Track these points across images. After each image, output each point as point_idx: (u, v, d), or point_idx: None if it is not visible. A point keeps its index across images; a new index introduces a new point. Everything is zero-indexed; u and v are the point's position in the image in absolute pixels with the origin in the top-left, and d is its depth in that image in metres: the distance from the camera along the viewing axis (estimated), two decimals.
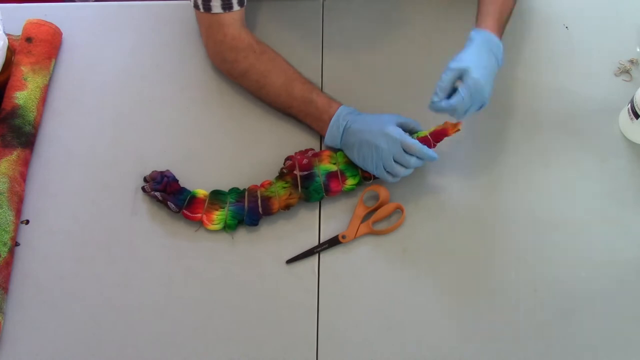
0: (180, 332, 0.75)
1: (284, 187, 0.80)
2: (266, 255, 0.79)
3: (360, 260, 0.79)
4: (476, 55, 0.76)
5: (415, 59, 0.93)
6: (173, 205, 0.79)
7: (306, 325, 0.75)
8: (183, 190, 0.81)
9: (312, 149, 0.83)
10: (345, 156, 0.82)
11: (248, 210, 0.79)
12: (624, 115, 0.86)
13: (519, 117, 0.88)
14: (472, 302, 0.76)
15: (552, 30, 0.95)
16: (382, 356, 0.74)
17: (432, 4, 0.97)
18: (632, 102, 0.83)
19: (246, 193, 0.81)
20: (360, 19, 0.96)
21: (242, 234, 0.80)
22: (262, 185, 0.81)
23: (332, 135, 0.81)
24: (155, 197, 0.80)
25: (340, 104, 0.82)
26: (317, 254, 0.79)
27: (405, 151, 0.76)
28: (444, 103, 0.75)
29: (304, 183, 0.80)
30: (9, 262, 0.77)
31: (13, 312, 0.75)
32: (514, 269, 0.78)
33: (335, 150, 0.83)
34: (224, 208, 0.80)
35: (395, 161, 0.77)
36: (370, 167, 0.79)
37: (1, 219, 0.77)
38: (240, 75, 0.86)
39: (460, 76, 0.75)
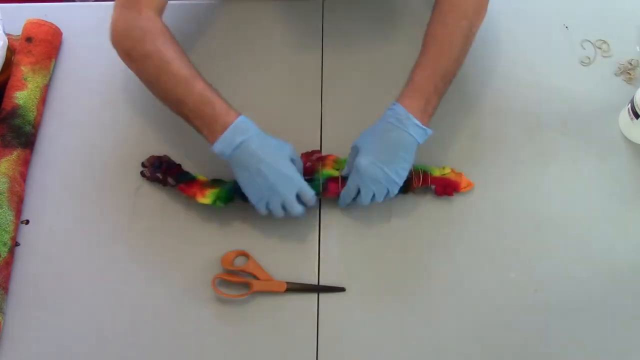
0: (179, 331, 0.75)
1: None
2: (266, 253, 0.79)
3: (360, 261, 0.79)
4: (373, 137, 0.75)
5: (415, 59, 0.92)
6: (172, 180, 0.79)
7: (306, 325, 0.75)
8: (186, 174, 0.81)
9: (318, 151, 0.83)
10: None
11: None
12: (624, 115, 0.86)
13: (519, 117, 0.88)
14: (472, 302, 0.76)
15: (552, 30, 0.95)
16: (381, 356, 0.74)
17: (432, 4, 0.97)
18: (632, 102, 0.83)
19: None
20: (360, 19, 0.96)
21: (239, 232, 0.80)
22: None
23: (225, 143, 0.72)
24: (155, 177, 0.80)
25: (240, 114, 0.74)
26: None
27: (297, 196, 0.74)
28: (340, 198, 0.77)
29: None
30: (9, 262, 0.77)
31: (13, 312, 0.75)
32: (514, 269, 0.78)
33: (340, 156, 0.82)
34: (219, 187, 0.79)
35: (282, 204, 0.74)
36: (253, 196, 0.74)
37: (1, 219, 0.77)
38: (141, 57, 0.77)
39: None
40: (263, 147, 0.73)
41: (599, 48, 0.94)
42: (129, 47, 0.78)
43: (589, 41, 0.94)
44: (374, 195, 0.76)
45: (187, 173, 0.82)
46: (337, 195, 0.80)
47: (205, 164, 0.83)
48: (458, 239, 0.80)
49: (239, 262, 0.78)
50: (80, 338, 0.75)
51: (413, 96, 0.75)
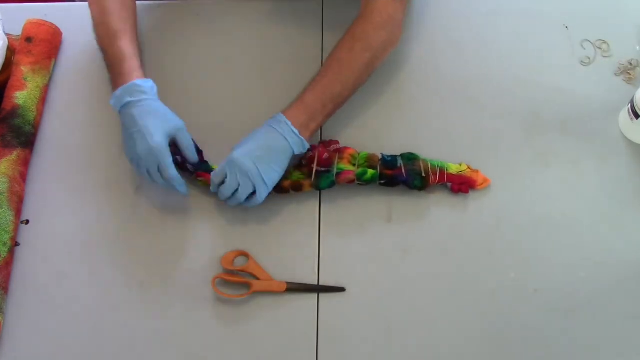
0: (179, 331, 0.75)
1: (299, 178, 0.80)
2: (266, 253, 0.79)
3: (360, 261, 0.79)
4: (250, 137, 0.77)
5: (415, 59, 0.93)
6: (190, 166, 0.80)
7: (306, 324, 0.75)
8: (204, 163, 0.82)
9: (336, 142, 0.82)
10: (367, 159, 0.81)
11: None
12: (624, 115, 0.86)
13: (519, 117, 0.88)
14: (472, 302, 0.76)
15: (552, 30, 0.95)
16: (381, 356, 0.74)
17: (431, 2, 0.97)
18: (632, 102, 0.83)
19: None
20: None
21: (238, 232, 0.80)
22: None
23: (116, 100, 0.77)
24: (175, 160, 0.79)
25: (143, 77, 0.78)
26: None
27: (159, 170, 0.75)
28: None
29: (317, 179, 0.79)
30: (9, 262, 0.77)
31: (13, 312, 0.76)
32: (513, 269, 0.78)
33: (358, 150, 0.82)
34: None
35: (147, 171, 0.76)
36: (129, 158, 0.77)
37: (1, 219, 0.77)
38: (93, 1, 0.83)
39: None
40: (144, 113, 0.76)
41: (599, 48, 0.94)
42: None
43: (589, 41, 0.94)
44: (237, 191, 0.75)
45: (205, 162, 0.82)
46: (352, 176, 0.79)
47: (212, 160, 0.83)
48: (458, 239, 0.80)
49: (239, 262, 0.78)
50: (80, 338, 0.75)
51: (298, 110, 0.77)
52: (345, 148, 0.82)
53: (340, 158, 0.81)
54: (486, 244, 0.79)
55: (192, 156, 0.79)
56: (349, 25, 0.82)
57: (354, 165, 0.81)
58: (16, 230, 0.79)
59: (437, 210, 0.81)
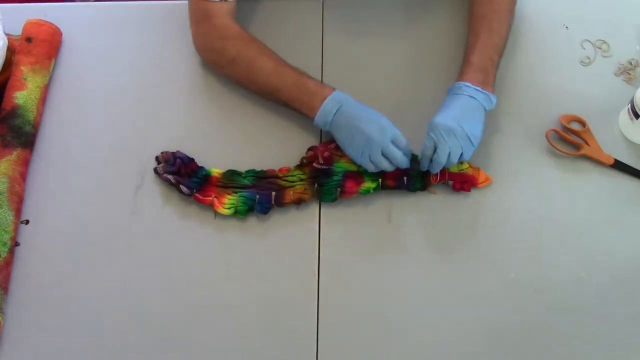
0: (180, 332, 0.75)
1: (301, 180, 0.80)
2: (266, 253, 0.79)
3: (360, 260, 0.79)
4: (442, 107, 0.79)
5: (416, 59, 0.93)
6: (185, 189, 0.79)
7: (306, 324, 0.75)
8: (199, 170, 0.81)
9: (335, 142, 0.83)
10: None
11: (260, 198, 0.79)
12: (624, 115, 0.86)
13: (519, 117, 0.88)
14: (472, 302, 0.76)
15: (552, 30, 0.95)
16: (381, 356, 0.74)
17: (433, 4, 0.97)
18: (632, 102, 0.83)
19: (265, 174, 0.81)
20: (360, 19, 0.96)
21: (238, 232, 0.80)
22: (280, 171, 0.81)
23: (323, 115, 0.79)
24: (167, 180, 0.80)
25: (334, 88, 0.81)
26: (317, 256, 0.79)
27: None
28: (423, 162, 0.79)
29: (320, 179, 0.80)
30: (9, 262, 0.77)
31: (13, 312, 0.75)
32: (514, 269, 0.78)
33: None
34: (236, 192, 0.80)
35: (382, 154, 0.77)
36: (355, 153, 0.78)
37: (1, 219, 0.77)
38: (228, 63, 0.85)
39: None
40: (358, 109, 0.79)
41: (599, 48, 0.94)
42: (214, 59, 0.87)
43: (589, 41, 0.94)
44: (449, 155, 0.77)
45: (201, 168, 0.82)
46: (355, 194, 0.80)
47: (213, 158, 0.84)
48: (458, 239, 0.80)
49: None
50: (80, 338, 0.75)
51: (471, 71, 0.81)
52: None
53: (340, 156, 0.81)
54: (486, 244, 0.79)
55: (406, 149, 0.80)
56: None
57: (354, 162, 0.81)
58: (16, 230, 0.79)
59: (437, 209, 0.81)
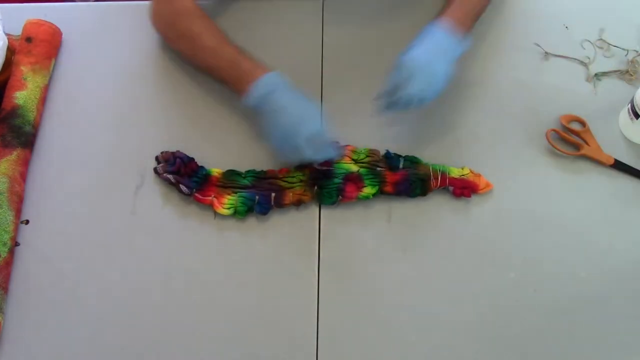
0: (179, 331, 0.75)
1: (301, 181, 0.80)
2: (266, 253, 0.79)
3: (360, 261, 0.79)
4: (415, 42, 0.77)
5: None
6: (185, 188, 0.79)
7: (306, 324, 0.75)
8: (199, 170, 0.81)
9: (336, 142, 0.83)
10: (369, 154, 0.82)
11: (259, 199, 0.79)
12: (624, 115, 0.86)
13: (519, 117, 0.88)
14: (472, 302, 0.76)
15: (552, 30, 0.95)
16: (381, 356, 0.74)
17: (433, 4, 0.97)
18: (632, 102, 0.83)
19: (265, 175, 0.81)
20: (360, 19, 0.96)
21: (238, 232, 0.80)
22: (280, 171, 0.81)
23: (253, 96, 0.77)
24: (167, 179, 0.80)
25: (267, 70, 0.79)
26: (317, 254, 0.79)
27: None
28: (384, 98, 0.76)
29: (320, 181, 0.80)
30: (9, 262, 0.77)
31: (13, 312, 0.75)
32: (514, 269, 0.78)
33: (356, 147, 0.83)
34: (236, 193, 0.80)
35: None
36: (277, 141, 0.78)
37: (1, 219, 0.77)
38: (177, 38, 0.86)
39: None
40: (288, 95, 0.78)
41: (600, 48, 0.94)
42: (164, 33, 0.89)
43: (589, 41, 0.94)
44: (414, 94, 0.75)
45: (201, 167, 0.82)
46: (354, 199, 0.80)
47: (213, 158, 0.84)
48: (458, 238, 0.80)
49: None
50: (80, 338, 0.75)
51: (450, 11, 0.80)
52: (345, 146, 0.82)
53: (341, 156, 0.81)
54: (486, 244, 0.79)
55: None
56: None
57: (355, 161, 0.81)
58: (16, 230, 0.79)
59: (437, 210, 0.81)
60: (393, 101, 0.77)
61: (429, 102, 0.76)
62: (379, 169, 0.81)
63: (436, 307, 0.76)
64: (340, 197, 0.80)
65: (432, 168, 0.81)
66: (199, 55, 0.84)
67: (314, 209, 0.82)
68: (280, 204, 0.80)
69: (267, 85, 0.78)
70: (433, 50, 0.77)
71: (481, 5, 0.84)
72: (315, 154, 0.77)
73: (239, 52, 0.82)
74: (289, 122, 0.76)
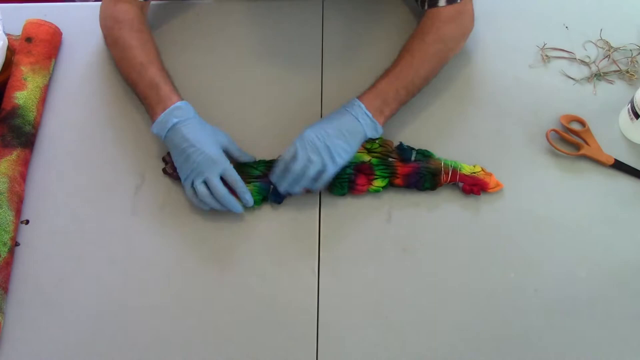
0: (179, 331, 0.75)
1: None
2: (266, 253, 0.79)
3: (360, 260, 0.79)
4: (325, 118, 0.78)
5: None
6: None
7: (306, 324, 0.75)
8: None
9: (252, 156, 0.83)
10: (382, 144, 0.82)
11: (273, 188, 0.80)
12: (624, 115, 0.86)
13: (519, 117, 0.88)
14: (472, 302, 0.76)
15: (552, 30, 0.95)
16: (381, 356, 0.74)
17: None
18: (632, 102, 0.83)
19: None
20: (360, 19, 0.96)
21: (238, 232, 0.80)
22: None
23: (160, 126, 0.78)
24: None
25: (181, 99, 0.80)
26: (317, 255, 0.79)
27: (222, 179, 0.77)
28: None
29: (332, 186, 0.80)
30: (9, 262, 0.77)
31: (13, 312, 0.75)
32: (514, 269, 0.78)
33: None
34: (249, 182, 0.80)
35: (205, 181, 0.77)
36: (182, 178, 0.78)
37: (1, 219, 0.77)
38: (111, 43, 0.87)
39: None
40: (193, 131, 0.78)
41: (600, 48, 0.94)
42: (104, 34, 0.90)
43: (590, 41, 0.94)
44: (308, 169, 0.75)
45: None
46: (364, 192, 0.80)
47: None
48: (457, 238, 0.80)
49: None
50: (80, 338, 0.75)
51: (372, 95, 0.80)
52: None
53: None
54: (486, 244, 0.79)
55: (248, 160, 0.81)
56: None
57: (368, 150, 0.81)
58: (16, 230, 0.79)
59: (437, 209, 0.81)
60: (283, 177, 0.77)
61: (325, 179, 0.76)
62: (390, 159, 0.81)
63: (436, 307, 0.76)
64: (350, 187, 0.80)
65: (443, 163, 0.81)
66: (125, 67, 0.85)
67: (314, 209, 0.82)
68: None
69: (176, 117, 0.78)
70: (338, 132, 0.76)
71: (405, 94, 0.82)
72: (209, 190, 0.76)
73: (164, 77, 0.82)
74: (184, 151, 0.77)
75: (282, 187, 0.78)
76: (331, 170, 0.76)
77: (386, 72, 0.82)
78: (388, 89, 0.80)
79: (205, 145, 0.77)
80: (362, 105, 0.78)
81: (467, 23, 0.86)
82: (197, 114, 0.80)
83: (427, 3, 0.83)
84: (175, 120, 0.78)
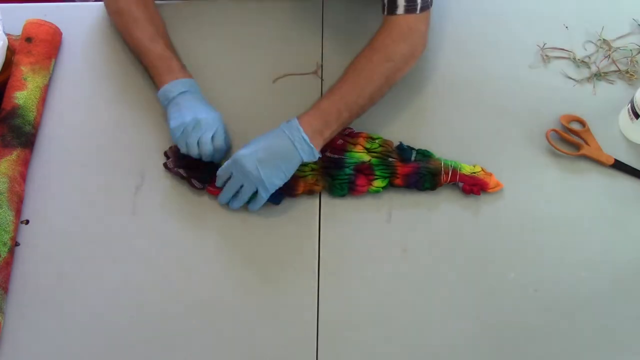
0: (180, 331, 0.75)
1: (312, 170, 0.80)
2: (266, 253, 0.79)
3: (360, 260, 0.79)
4: (261, 137, 0.77)
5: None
6: (197, 182, 0.80)
7: (306, 324, 0.75)
8: (210, 162, 0.81)
9: (351, 129, 0.83)
10: (382, 144, 0.82)
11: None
12: (624, 115, 0.86)
13: (519, 117, 0.88)
14: (472, 302, 0.76)
15: (552, 30, 0.95)
16: (381, 356, 0.74)
17: None
18: (632, 102, 0.83)
19: None
20: (360, 18, 0.96)
21: (238, 232, 0.80)
22: None
23: (168, 90, 0.82)
24: (178, 174, 0.81)
25: (189, 76, 0.85)
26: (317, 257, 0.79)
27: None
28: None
29: (331, 170, 0.80)
30: (9, 262, 0.77)
31: (13, 312, 0.75)
32: (514, 269, 0.78)
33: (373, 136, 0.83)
34: None
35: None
36: (176, 131, 0.80)
37: (1, 219, 0.77)
38: (115, 12, 0.89)
39: None
40: (194, 100, 0.82)
41: (600, 48, 0.94)
42: (106, 2, 0.92)
43: (590, 41, 0.94)
44: (241, 190, 0.77)
45: (211, 162, 0.82)
46: (364, 192, 0.80)
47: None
48: (457, 238, 0.80)
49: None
50: (80, 338, 0.75)
51: (314, 115, 0.77)
52: (359, 133, 0.83)
53: (354, 144, 0.81)
54: (486, 244, 0.79)
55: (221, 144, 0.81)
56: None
57: (369, 149, 0.81)
58: (16, 230, 0.79)
59: (437, 210, 0.81)
60: (222, 193, 0.79)
61: (259, 202, 0.77)
62: (390, 159, 0.81)
63: (436, 307, 0.76)
64: (350, 188, 0.80)
65: (443, 163, 0.81)
66: (133, 37, 0.87)
67: (314, 208, 0.82)
68: (292, 194, 0.80)
69: (186, 86, 0.82)
70: (272, 156, 0.75)
71: (348, 115, 0.78)
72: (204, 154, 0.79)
73: (173, 52, 0.87)
74: (191, 115, 0.79)
75: (222, 201, 0.79)
76: (264, 196, 0.76)
77: (330, 91, 0.79)
78: (331, 109, 0.77)
79: (206, 109, 0.81)
80: (301, 129, 0.75)
81: (418, 43, 0.82)
82: (200, 92, 0.84)
83: (386, 9, 0.80)
84: (183, 89, 0.82)
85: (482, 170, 0.82)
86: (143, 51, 0.86)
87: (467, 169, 0.81)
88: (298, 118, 0.77)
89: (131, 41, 0.88)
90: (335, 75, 0.90)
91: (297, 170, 0.79)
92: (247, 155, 0.75)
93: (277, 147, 0.76)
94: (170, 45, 0.88)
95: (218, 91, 0.90)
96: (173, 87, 0.82)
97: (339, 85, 0.79)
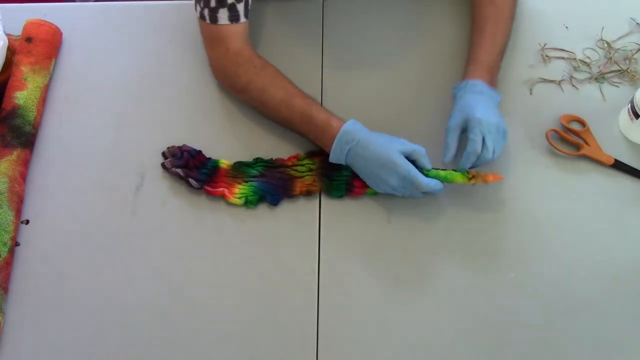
0: (180, 332, 0.75)
1: (310, 170, 0.80)
2: (266, 253, 0.79)
3: (360, 260, 0.79)
4: (467, 103, 0.79)
5: (416, 60, 0.93)
6: (194, 182, 0.80)
7: (306, 324, 0.75)
8: (208, 161, 0.81)
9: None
10: None
11: (270, 189, 0.80)
12: (624, 115, 0.86)
13: (519, 117, 0.88)
14: (472, 302, 0.76)
15: (552, 30, 0.95)
16: (381, 356, 0.74)
17: (434, 5, 0.97)
18: (632, 102, 0.83)
19: (274, 164, 0.81)
20: (360, 19, 0.96)
21: (238, 233, 0.80)
22: (289, 159, 0.81)
23: (336, 155, 0.79)
24: (176, 173, 0.81)
25: (341, 121, 0.79)
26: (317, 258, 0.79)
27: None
28: (464, 158, 0.77)
29: (328, 171, 0.80)
30: (9, 262, 0.77)
31: (13, 312, 0.75)
32: (514, 269, 0.78)
33: None
34: (247, 182, 0.80)
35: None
36: (386, 191, 0.79)
37: (1, 219, 0.77)
38: (241, 90, 0.85)
39: (464, 128, 0.78)
40: (368, 147, 0.77)
41: (600, 48, 0.94)
42: (228, 84, 0.87)
43: (590, 41, 0.94)
44: (487, 144, 0.77)
45: (209, 159, 0.82)
46: (362, 194, 0.80)
47: (218, 151, 0.84)
48: (458, 238, 0.80)
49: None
50: (80, 338, 0.75)
51: (479, 71, 0.83)
52: None
53: None
54: (486, 244, 0.79)
55: (428, 164, 0.79)
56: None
57: None
58: (16, 230, 0.79)
59: (436, 210, 0.81)
60: (471, 160, 0.78)
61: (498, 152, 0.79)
62: None
63: (435, 307, 0.76)
64: (347, 190, 0.80)
65: (436, 176, 0.78)
66: (268, 109, 0.83)
67: (314, 208, 0.82)
68: (290, 194, 0.80)
69: (348, 142, 0.77)
70: (490, 109, 0.79)
71: (500, 58, 0.86)
72: (411, 191, 0.77)
73: (309, 103, 0.81)
74: (375, 172, 0.77)
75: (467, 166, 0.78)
76: (503, 143, 0.79)
77: (477, 44, 0.85)
78: (489, 59, 0.84)
79: (382, 156, 0.76)
80: (482, 82, 0.81)
81: None
82: (364, 127, 0.79)
83: None
84: (347, 146, 0.77)
85: (474, 176, 0.78)
86: (285, 120, 0.83)
87: (459, 179, 0.78)
88: (470, 78, 0.82)
89: (269, 114, 0.84)
90: (336, 76, 0.91)
91: (295, 170, 0.81)
92: (483, 113, 0.77)
93: (485, 102, 0.80)
94: (305, 98, 0.82)
95: (215, 91, 0.89)
96: (336, 152, 0.78)
97: (481, 36, 0.86)
